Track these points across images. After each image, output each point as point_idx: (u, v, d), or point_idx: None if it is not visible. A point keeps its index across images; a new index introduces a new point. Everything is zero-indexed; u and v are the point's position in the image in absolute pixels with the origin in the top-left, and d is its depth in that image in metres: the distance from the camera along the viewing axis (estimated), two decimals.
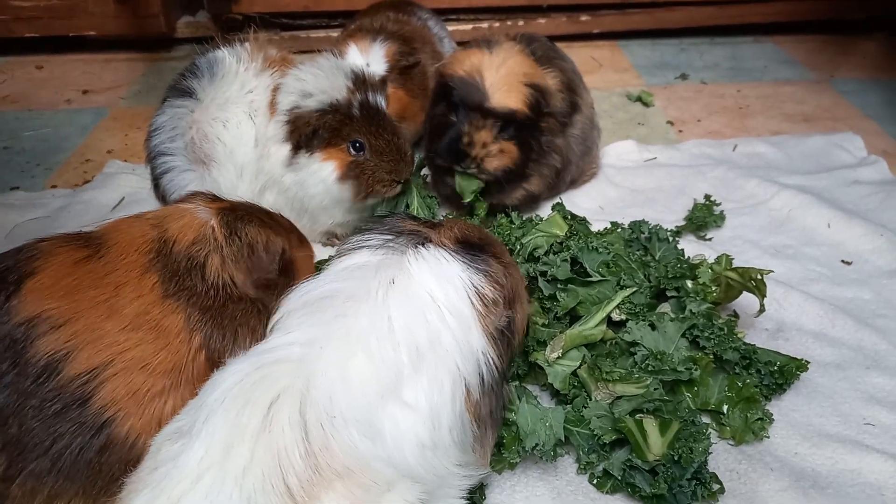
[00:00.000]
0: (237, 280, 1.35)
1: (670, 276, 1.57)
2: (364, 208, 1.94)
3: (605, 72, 3.15)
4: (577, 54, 3.26)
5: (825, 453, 1.35)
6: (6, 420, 1.13)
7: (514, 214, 1.91)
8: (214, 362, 1.29)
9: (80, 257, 1.25)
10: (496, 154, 1.85)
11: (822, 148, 2.45)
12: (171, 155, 1.93)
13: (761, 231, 2.04)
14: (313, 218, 1.94)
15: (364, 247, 1.16)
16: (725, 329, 1.44)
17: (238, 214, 1.42)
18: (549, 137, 1.98)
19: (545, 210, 2.13)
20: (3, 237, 2.15)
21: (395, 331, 1.02)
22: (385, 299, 1.05)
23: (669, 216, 2.11)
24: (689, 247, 1.90)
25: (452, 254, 1.12)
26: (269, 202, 1.90)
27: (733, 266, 1.58)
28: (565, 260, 1.56)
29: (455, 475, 1.09)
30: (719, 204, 2.08)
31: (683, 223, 2.05)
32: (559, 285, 1.55)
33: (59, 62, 3.41)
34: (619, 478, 1.28)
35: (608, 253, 1.59)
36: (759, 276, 1.52)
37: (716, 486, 1.26)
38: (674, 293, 1.56)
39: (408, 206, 2.00)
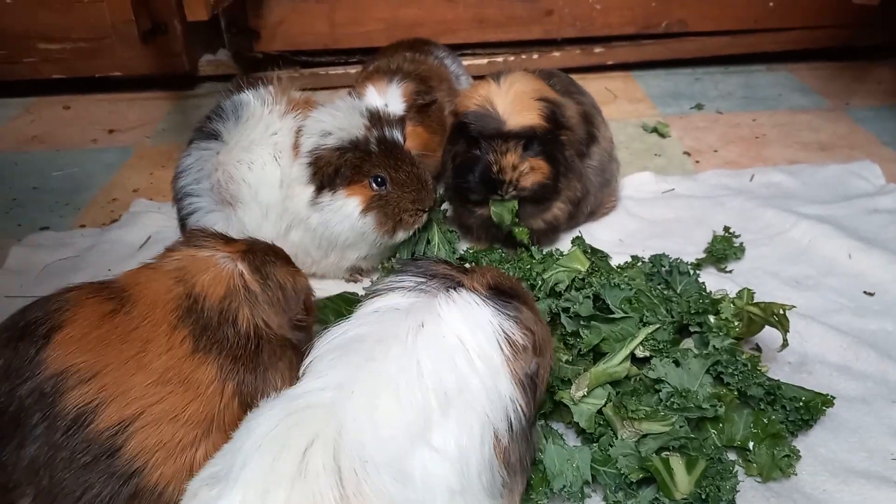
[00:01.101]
0: (273, 323, 1.38)
1: (693, 311, 1.58)
2: (389, 243, 1.97)
3: (619, 103, 3.18)
4: (592, 86, 3.29)
5: (852, 489, 1.35)
6: (37, 471, 1.16)
7: (534, 249, 1.94)
8: (247, 405, 1.32)
9: (107, 311, 1.27)
10: (528, 172, 1.89)
11: (839, 177, 2.46)
12: (198, 196, 1.97)
13: (781, 262, 2.04)
14: (340, 255, 1.98)
15: (396, 289, 1.19)
16: (749, 365, 1.45)
17: (261, 258, 1.44)
18: (570, 152, 2.00)
19: (565, 243, 2.14)
20: (33, 277, 2.20)
21: (423, 375, 1.04)
22: (415, 343, 1.07)
23: (689, 248, 2.12)
24: (710, 280, 1.90)
25: (484, 299, 1.14)
26: (294, 241, 1.95)
27: (755, 300, 1.59)
28: (588, 297, 1.58)
29: None
30: (738, 236, 2.09)
31: (703, 255, 2.06)
32: (582, 322, 1.56)
33: (86, 102, 3.49)
34: None
35: (630, 289, 1.60)
36: (781, 312, 1.53)
37: None
38: (696, 328, 1.57)
39: (429, 242, 2.03)
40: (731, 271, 2.02)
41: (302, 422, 1.00)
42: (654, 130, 2.89)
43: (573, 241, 2.01)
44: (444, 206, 2.20)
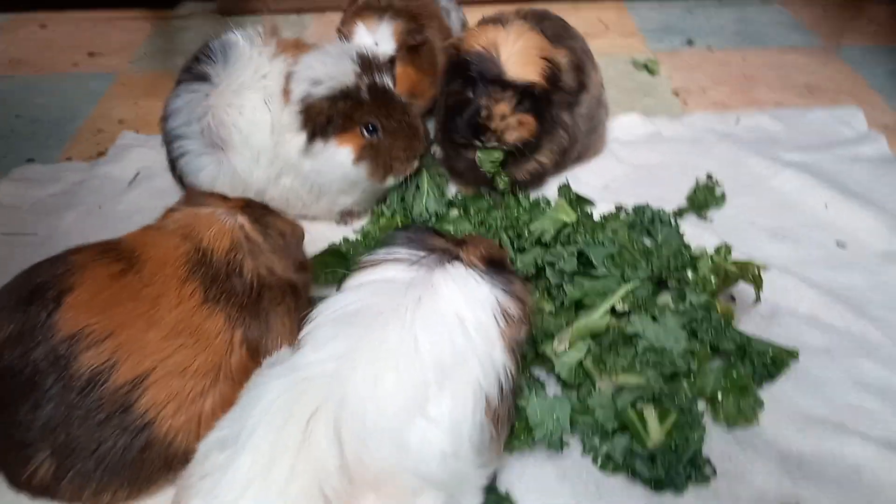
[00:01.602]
0: (278, 268, 1.45)
1: (672, 266, 1.65)
2: (380, 188, 2.00)
3: (611, 36, 3.15)
4: (585, 16, 3.27)
5: (811, 437, 1.46)
6: (54, 429, 1.23)
7: (521, 196, 1.98)
8: (254, 351, 1.40)
9: (116, 271, 1.32)
10: (515, 126, 1.90)
11: (824, 122, 2.49)
12: (188, 138, 1.98)
13: (761, 211, 2.10)
14: (332, 200, 2.01)
15: (394, 260, 1.23)
16: (722, 322, 1.54)
17: (259, 210, 1.51)
18: (558, 111, 2.02)
19: (551, 187, 2.18)
20: (24, 212, 2.22)
21: (421, 351, 1.11)
22: (413, 319, 1.13)
23: (673, 195, 2.17)
24: (691, 229, 1.97)
25: (481, 274, 1.20)
26: (286, 185, 1.98)
27: (733, 252, 1.66)
28: (572, 254, 1.64)
29: (475, 474, 1.19)
30: (720, 185, 2.14)
31: (686, 203, 2.12)
32: (566, 277, 1.63)
33: (63, 21, 3.40)
34: (621, 462, 1.39)
35: (613, 245, 1.66)
36: (756, 271, 1.60)
37: (709, 470, 1.37)
38: (675, 283, 1.64)
39: (418, 187, 2.06)
40: (711, 220, 2.08)
41: (305, 392, 1.07)
42: (645, 67, 2.88)
43: (559, 190, 2.07)
44: (434, 148, 2.21)
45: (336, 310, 1.21)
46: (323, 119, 1.83)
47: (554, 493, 1.39)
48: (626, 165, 2.32)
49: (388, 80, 1.93)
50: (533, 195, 2.09)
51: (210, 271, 1.38)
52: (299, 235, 1.52)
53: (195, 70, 1.97)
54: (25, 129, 2.66)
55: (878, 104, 2.64)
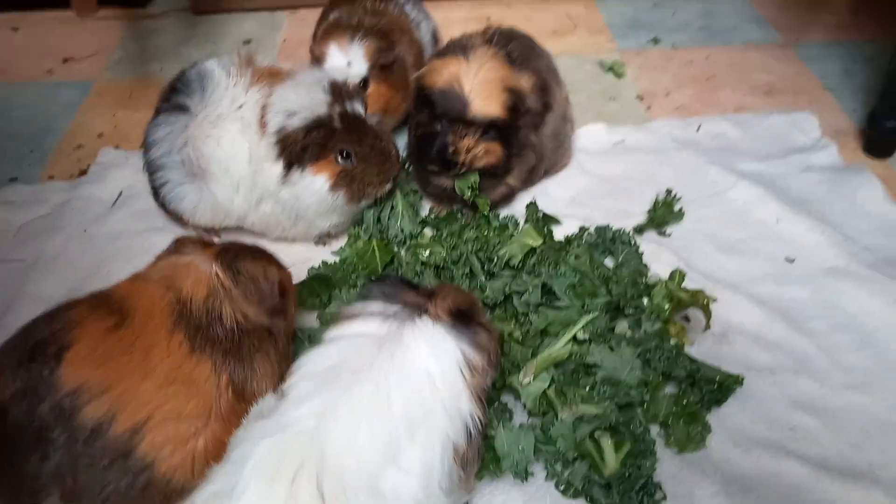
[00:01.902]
0: (250, 314, 1.53)
1: (629, 295, 1.77)
2: (356, 210, 2.10)
3: (579, 33, 3.22)
4: (553, 11, 3.33)
5: (752, 458, 1.61)
6: (63, 476, 1.33)
7: (491, 215, 2.10)
8: (239, 392, 1.50)
9: (110, 325, 1.41)
10: (482, 156, 2.01)
11: (780, 128, 2.60)
12: (169, 168, 2.06)
13: (718, 224, 2.22)
14: (309, 224, 2.10)
15: (368, 314, 1.35)
16: (674, 351, 1.67)
17: (232, 254, 1.58)
18: (525, 134, 2.12)
19: (521, 202, 2.29)
20: (12, 238, 2.29)
21: (393, 407, 1.22)
22: (387, 377, 1.24)
23: (636, 207, 2.29)
24: (650, 247, 2.09)
25: (447, 329, 1.31)
26: (265, 211, 2.06)
27: (685, 283, 1.79)
28: (536, 286, 1.76)
29: None
30: (679, 199, 2.26)
31: (646, 218, 2.24)
32: (531, 307, 1.76)
33: (35, 22, 3.39)
34: (580, 488, 1.53)
35: (575, 275, 1.78)
36: (705, 301, 1.73)
37: (659, 495, 1.52)
38: (631, 311, 1.77)
39: (393, 208, 2.16)
40: (670, 234, 2.20)
41: (289, 450, 1.19)
42: (611, 69, 2.96)
43: (527, 208, 2.18)
44: (407, 167, 2.30)
45: (317, 363, 1.32)
46: (298, 148, 1.91)
47: None
48: (592, 177, 2.43)
49: (359, 107, 2.01)
50: (503, 212, 2.21)
51: (193, 321, 1.47)
52: (272, 280, 1.58)
53: (174, 101, 2.04)
54: (5, 144, 2.70)
55: (831, 106, 2.75)
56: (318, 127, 1.91)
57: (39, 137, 2.73)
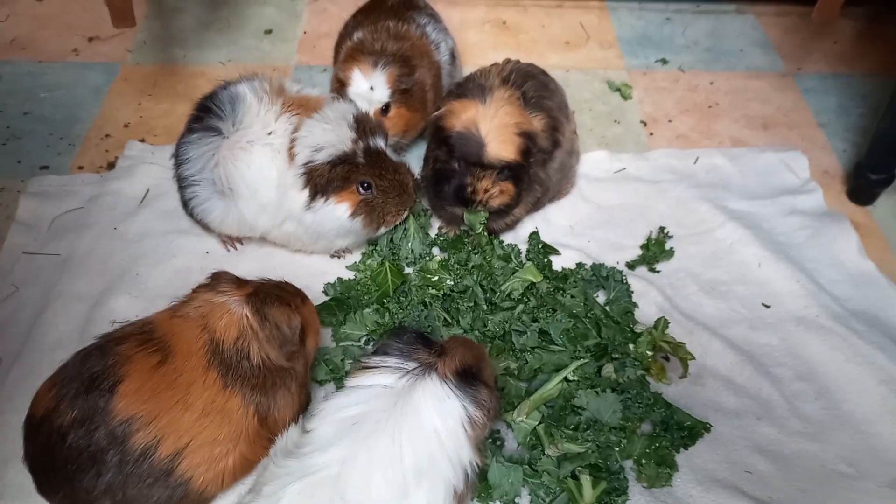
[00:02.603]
0: (272, 356, 1.71)
1: (616, 342, 1.97)
2: (373, 235, 2.27)
3: (590, 48, 3.32)
4: (567, 19, 3.43)
5: (711, 496, 1.82)
6: (114, 491, 1.55)
7: (496, 243, 2.28)
8: (263, 420, 1.72)
9: (154, 362, 1.59)
10: (497, 195, 2.18)
11: (772, 166, 2.75)
12: (200, 185, 2.20)
13: (703, 263, 2.40)
14: (328, 243, 2.28)
15: (385, 368, 1.54)
16: (652, 399, 1.88)
17: (262, 298, 1.73)
18: (534, 171, 2.28)
19: (524, 228, 2.46)
20: (46, 231, 2.44)
21: (404, 459, 1.43)
22: (400, 431, 1.44)
23: (629, 240, 2.47)
24: (639, 285, 2.28)
25: (453, 389, 1.50)
26: (288, 230, 2.22)
27: (668, 336, 1.99)
28: (534, 331, 1.96)
29: None
30: (671, 237, 2.44)
31: (640, 251, 2.42)
32: (528, 349, 1.96)
33: None
34: None
35: (569, 321, 1.98)
36: (685, 354, 1.94)
37: None
38: (618, 355, 1.97)
39: (405, 230, 2.33)
40: (659, 271, 2.38)
41: (316, 493, 1.40)
42: (618, 91, 3.09)
43: (530, 238, 2.36)
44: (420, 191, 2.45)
45: (339, 410, 1.52)
46: (324, 181, 2.07)
47: None
48: (591, 205, 2.59)
49: (381, 142, 2.16)
50: (508, 237, 2.40)
51: (225, 360, 1.66)
52: (294, 327, 1.73)
53: (206, 122, 2.16)
54: (35, 130, 2.81)
55: (821, 144, 2.90)
56: (342, 162, 2.06)
57: (68, 124, 2.85)
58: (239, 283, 1.78)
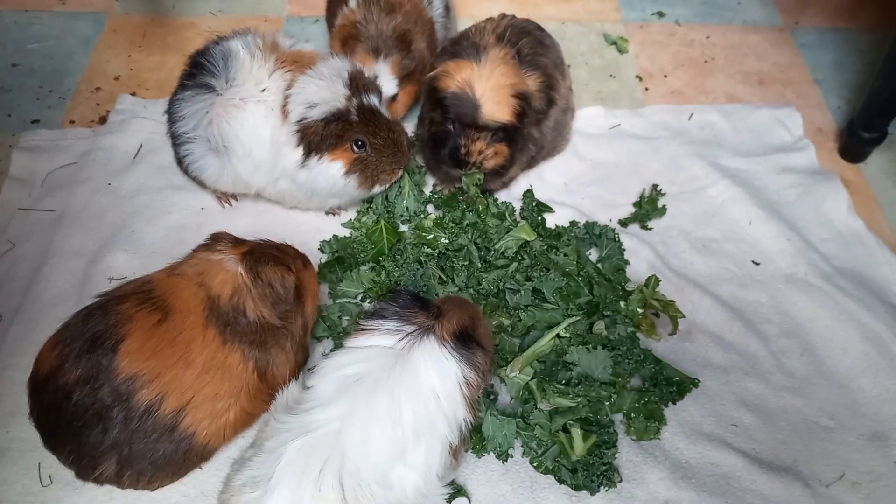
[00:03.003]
0: (265, 314, 1.73)
1: (608, 299, 2.01)
2: (367, 194, 2.27)
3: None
4: None
5: (697, 449, 1.89)
6: (120, 446, 1.59)
7: (490, 201, 2.29)
8: (262, 375, 1.76)
9: (155, 321, 1.62)
10: (492, 156, 2.18)
11: (766, 123, 2.76)
12: (194, 142, 2.19)
13: (695, 221, 2.43)
14: (322, 201, 2.28)
15: (385, 331, 1.56)
16: (642, 355, 1.93)
17: (256, 257, 1.74)
18: (528, 130, 2.28)
19: (518, 185, 2.47)
20: (39, 186, 2.44)
21: (403, 417, 1.47)
22: (399, 390, 1.48)
23: (622, 197, 2.49)
24: (631, 242, 2.30)
25: (451, 351, 1.53)
26: (282, 188, 2.22)
27: (658, 294, 2.03)
28: (528, 290, 1.99)
29: (439, 493, 1.60)
30: (664, 194, 2.46)
31: (633, 209, 2.44)
32: (521, 307, 1.99)
33: None
34: (551, 468, 1.82)
35: (562, 280, 2.01)
36: (674, 312, 1.97)
37: (616, 478, 1.81)
38: (609, 313, 2.01)
39: (400, 188, 2.33)
40: (651, 228, 2.41)
41: (317, 449, 1.44)
42: (614, 44, 3.06)
43: (524, 196, 2.38)
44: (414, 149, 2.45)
45: (339, 368, 1.55)
46: (317, 138, 2.06)
47: (498, 485, 1.82)
48: (585, 163, 2.60)
49: (374, 100, 2.14)
50: (502, 195, 2.42)
51: (221, 316, 1.68)
52: (288, 286, 1.74)
53: (199, 79, 2.14)
54: (25, 82, 2.78)
55: (816, 101, 2.90)
56: (336, 119, 2.05)
57: (57, 77, 2.82)
58: (237, 242, 1.80)
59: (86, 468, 1.64)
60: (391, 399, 1.48)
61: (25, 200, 2.39)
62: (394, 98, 2.41)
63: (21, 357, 1.96)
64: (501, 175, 2.29)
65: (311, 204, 2.32)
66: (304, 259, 1.90)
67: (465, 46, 2.22)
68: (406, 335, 1.55)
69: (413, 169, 2.39)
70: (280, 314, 1.76)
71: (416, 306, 1.62)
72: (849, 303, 2.18)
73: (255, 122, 2.10)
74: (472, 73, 2.10)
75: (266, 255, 1.77)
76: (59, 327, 1.67)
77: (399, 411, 1.48)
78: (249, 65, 2.12)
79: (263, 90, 2.11)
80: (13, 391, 1.90)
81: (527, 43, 2.30)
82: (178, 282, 1.71)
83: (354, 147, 2.12)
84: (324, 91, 2.06)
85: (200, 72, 2.16)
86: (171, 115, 2.23)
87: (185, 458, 1.70)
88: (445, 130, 2.16)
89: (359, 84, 2.10)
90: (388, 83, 2.36)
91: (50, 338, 1.67)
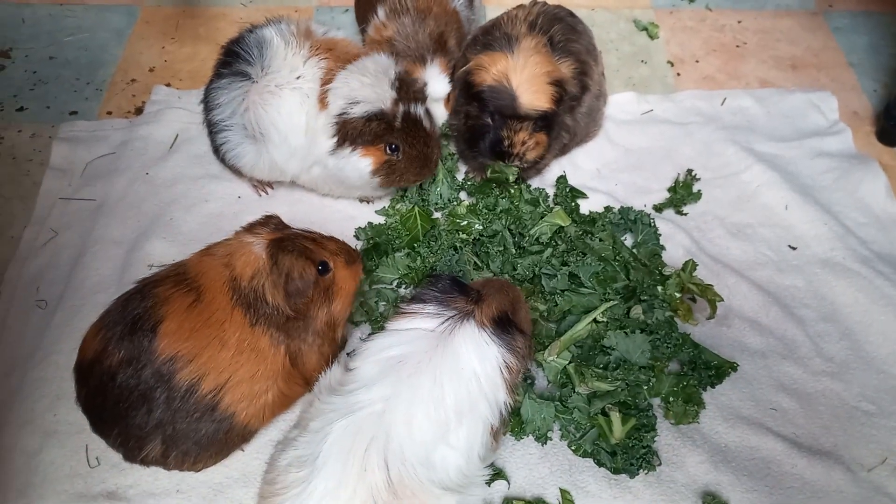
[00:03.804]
0: (280, 302, 1.70)
1: (645, 284, 2.00)
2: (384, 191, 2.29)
3: None
4: None
5: (736, 432, 1.89)
6: (164, 426, 1.62)
7: (524, 188, 2.29)
8: (293, 360, 1.76)
9: (190, 302, 1.64)
10: (533, 146, 2.18)
11: (800, 108, 2.73)
12: (231, 130, 2.21)
13: (730, 206, 2.41)
14: (348, 189, 2.29)
15: (425, 314, 1.58)
16: (681, 339, 1.92)
17: (281, 245, 1.72)
18: (562, 118, 2.27)
19: (551, 172, 2.47)
20: (79, 176, 2.48)
21: (446, 399, 1.48)
22: (442, 373, 1.49)
23: (655, 183, 2.48)
24: (666, 227, 2.29)
25: (490, 336, 1.54)
26: (315, 175, 2.24)
27: (696, 278, 2.02)
28: (564, 274, 1.99)
29: (480, 475, 1.61)
30: (698, 179, 2.44)
31: (667, 194, 2.43)
32: (558, 291, 1.99)
33: None
34: (590, 451, 1.82)
35: (599, 265, 2.01)
36: (713, 296, 1.97)
37: (655, 461, 1.81)
38: (646, 297, 2.00)
39: (434, 177, 2.33)
40: (686, 214, 2.39)
41: (361, 429, 1.45)
42: (645, 30, 3.04)
43: (557, 182, 2.37)
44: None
45: (381, 350, 1.56)
46: (355, 132, 2.06)
47: (536, 468, 1.83)
48: (618, 149, 2.59)
49: (420, 111, 2.14)
50: (535, 182, 2.41)
51: (243, 297, 1.68)
52: (306, 279, 1.70)
53: (235, 67, 2.16)
54: (62, 75, 2.82)
55: (851, 85, 2.87)
56: (378, 119, 2.05)
57: (93, 68, 2.85)
58: (276, 228, 1.81)
59: (133, 449, 1.67)
60: (433, 381, 1.49)
61: (66, 190, 2.43)
62: (448, 98, 2.40)
63: (65, 343, 1.99)
64: (538, 165, 2.29)
65: (339, 192, 2.33)
66: (349, 258, 1.84)
67: (497, 37, 2.22)
68: (447, 318, 1.56)
69: (445, 156, 2.39)
70: (295, 306, 1.72)
71: (455, 291, 1.63)
72: (888, 287, 2.16)
73: (291, 108, 2.11)
74: (507, 64, 2.10)
75: (292, 245, 1.73)
76: (101, 314, 1.70)
77: (441, 393, 1.49)
78: (284, 52, 2.14)
79: (299, 77, 2.12)
80: (59, 375, 1.93)
81: (559, 30, 2.29)
82: (209, 262, 1.72)
83: (388, 149, 2.12)
84: (367, 89, 2.04)
85: (235, 60, 2.17)
86: (208, 104, 2.26)
87: (227, 438, 1.72)
88: (484, 124, 2.16)
89: (409, 91, 2.10)
90: (442, 83, 2.36)
91: (93, 324, 1.70)
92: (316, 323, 1.79)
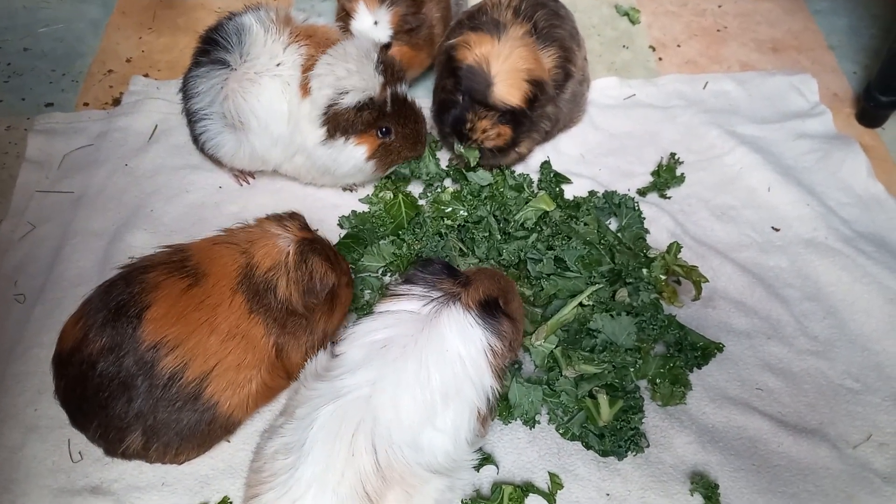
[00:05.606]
0: (293, 298, 1.71)
1: (630, 267, 2.00)
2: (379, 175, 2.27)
3: None
4: None
5: (723, 413, 1.89)
6: (145, 416, 1.60)
7: (507, 174, 2.28)
8: (280, 352, 1.75)
9: (184, 286, 1.62)
10: (493, 137, 2.17)
11: (781, 90, 2.74)
12: (210, 119, 2.19)
13: (713, 189, 2.42)
14: (336, 179, 2.27)
15: (413, 295, 1.57)
16: (666, 321, 1.92)
17: (312, 247, 1.74)
18: (539, 112, 2.26)
19: (535, 157, 2.46)
20: (57, 168, 2.44)
21: (431, 381, 1.47)
22: (427, 355, 1.48)
23: (639, 168, 2.48)
24: (650, 211, 2.29)
25: (476, 319, 1.53)
26: (298, 163, 2.22)
27: (680, 260, 2.02)
28: (550, 258, 1.98)
29: (469, 459, 1.61)
30: (681, 162, 2.44)
31: (650, 178, 2.43)
32: (543, 275, 1.99)
33: None
34: (578, 434, 1.82)
35: (584, 248, 2.00)
36: (698, 277, 1.97)
37: (643, 443, 1.81)
38: (631, 280, 2.00)
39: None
40: (670, 197, 2.40)
41: (347, 413, 1.44)
42: (626, 15, 3.04)
43: (541, 167, 2.37)
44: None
45: (368, 334, 1.55)
46: (346, 123, 2.05)
47: (525, 452, 1.82)
48: (602, 133, 2.59)
49: (404, 88, 2.13)
50: (519, 168, 2.41)
51: (253, 285, 1.68)
52: (325, 284, 1.72)
53: (213, 55, 2.13)
54: (37, 66, 2.78)
55: (831, 67, 2.88)
56: (370, 108, 2.04)
57: (69, 60, 2.81)
58: (304, 228, 1.80)
59: (113, 442, 1.65)
60: (419, 363, 1.48)
61: (43, 183, 2.39)
62: (386, 48, 2.37)
63: (46, 336, 1.96)
64: (503, 155, 2.27)
65: (324, 180, 2.31)
66: (349, 278, 1.91)
67: (484, 21, 2.20)
68: (432, 300, 1.55)
69: (430, 141, 2.37)
70: (306, 304, 1.73)
71: (444, 274, 1.62)
72: (871, 265, 2.17)
73: (271, 96, 2.09)
74: (490, 49, 2.09)
75: (321, 250, 1.77)
76: (82, 302, 1.68)
77: (427, 375, 1.48)
78: (263, 39, 2.11)
79: (279, 64, 2.10)
80: (40, 370, 1.90)
81: (542, 15, 2.28)
82: (221, 249, 1.71)
83: (380, 133, 2.11)
84: (355, 77, 2.02)
85: (214, 48, 2.15)
86: (186, 93, 2.23)
87: (210, 429, 1.70)
88: (454, 100, 2.15)
89: (393, 72, 2.09)
90: (382, 31, 2.35)
91: (72, 315, 1.67)
92: (313, 325, 1.80)
